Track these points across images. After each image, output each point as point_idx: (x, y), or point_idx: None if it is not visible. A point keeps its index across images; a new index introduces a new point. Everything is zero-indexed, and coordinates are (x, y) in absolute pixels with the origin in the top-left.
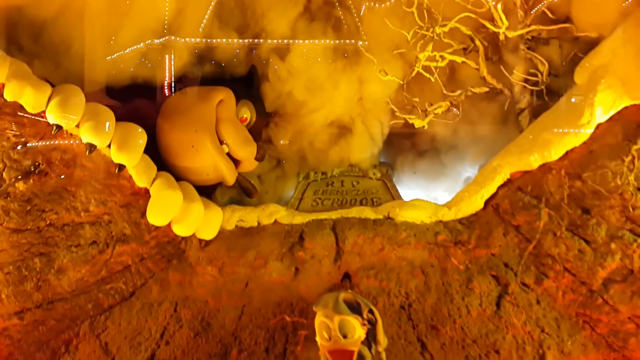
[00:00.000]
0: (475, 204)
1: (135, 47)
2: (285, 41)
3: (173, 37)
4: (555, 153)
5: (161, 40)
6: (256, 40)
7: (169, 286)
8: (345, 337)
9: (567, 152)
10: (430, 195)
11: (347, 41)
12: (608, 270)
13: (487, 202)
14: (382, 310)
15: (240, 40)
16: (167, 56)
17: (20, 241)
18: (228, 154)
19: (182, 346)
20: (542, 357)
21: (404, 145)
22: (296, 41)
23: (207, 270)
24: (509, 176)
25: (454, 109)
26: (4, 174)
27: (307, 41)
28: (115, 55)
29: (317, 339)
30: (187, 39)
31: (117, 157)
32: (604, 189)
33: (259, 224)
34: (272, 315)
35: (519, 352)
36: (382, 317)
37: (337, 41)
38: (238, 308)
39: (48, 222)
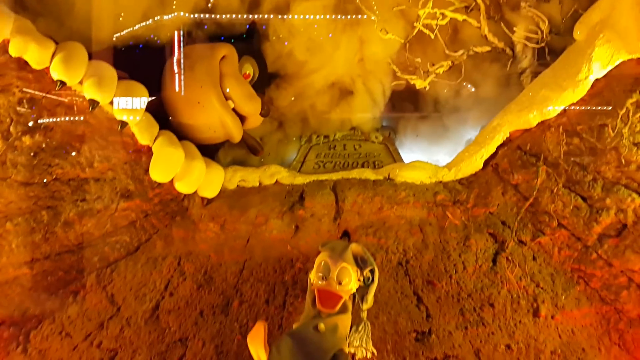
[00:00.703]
0: (474, 164)
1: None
2: None
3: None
4: (553, 110)
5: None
6: None
7: (172, 241)
8: (340, 283)
9: (565, 109)
10: (432, 158)
11: None
12: (603, 225)
13: (486, 162)
14: (380, 267)
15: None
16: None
17: (28, 194)
18: (233, 110)
19: (186, 297)
20: (536, 311)
21: (407, 109)
22: None
23: (210, 227)
24: (508, 135)
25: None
26: (11, 127)
27: None
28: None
29: (311, 275)
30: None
31: (119, 114)
32: (600, 145)
33: (260, 184)
34: (273, 270)
35: (513, 306)
36: (380, 274)
37: None
38: (239, 263)
39: (54, 176)
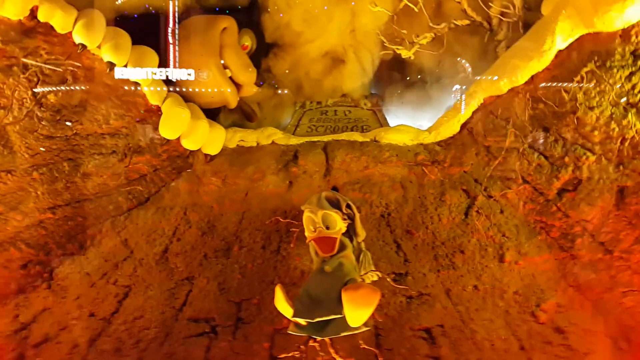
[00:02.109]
0: (452, 127)
1: None
2: None
3: None
4: (521, 78)
5: None
6: None
7: (179, 193)
8: (327, 228)
9: (532, 77)
10: (416, 123)
11: None
12: (562, 181)
13: (463, 126)
14: (364, 218)
15: None
16: None
17: (51, 147)
18: (230, 78)
19: (191, 242)
20: (502, 257)
21: (394, 78)
22: None
23: (212, 181)
24: (482, 101)
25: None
26: (38, 86)
27: None
28: None
29: (305, 232)
30: None
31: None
32: (561, 109)
33: (258, 144)
34: (268, 220)
35: (482, 253)
36: (364, 225)
37: None
38: (239, 213)
39: (74, 131)
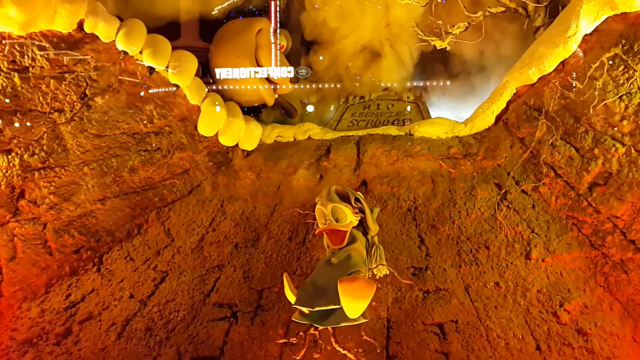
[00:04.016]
0: (487, 119)
1: None
2: None
3: None
4: (549, 65)
5: None
6: None
7: (218, 187)
8: (337, 220)
9: (562, 64)
10: (459, 115)
11: None
12: (592, 174)
13: (498, 118)
14: (390, 212)
15: None
16: None
17: (100, 144)
18: (267, 79)
19: (225, 232)
20: (528, 254)
21: (437, 69)
22: None
23: (248, 175)
24: (515, 91)
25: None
26: (87, 90)
27: None
28: None
29: (317, 224)
30: None
31: (173, 78)
32: (591, 98)
33: (295, 139)
34: (298, 213)
35: (508, 249)
36: (389, 218)
37: None
38: (270, 206)
39: (121, 130)
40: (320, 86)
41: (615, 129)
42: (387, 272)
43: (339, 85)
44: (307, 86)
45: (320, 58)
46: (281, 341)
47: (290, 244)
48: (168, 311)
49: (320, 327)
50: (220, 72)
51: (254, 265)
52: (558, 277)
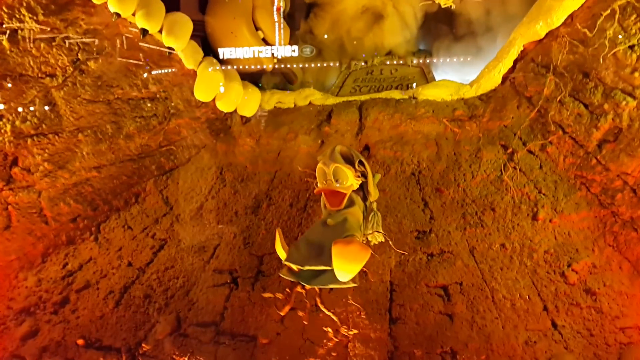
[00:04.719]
0: (493, 79)
1: None
2: None
3: None
4: (557, 19)
5: None
6: None
7: (216, 154)
8: (338, 182)
9: (571, 18)
10: (464, 78)
11: None
12: (602, 131)
13: (505, 77)
14: (393, 177)
15: None
16: None
17: (94, 110)
18: (264, 40)
19: (225, 200)
20: (535, 215)
21: (442, 31)
22: None
23: (247, 141)
24: (522, 48)
25: None
26: (79, 54)
27: None
28: None
29: (317, 183)
30: None
31: (167, 41)
32: (601, 50)
33: (295, 105)
34: (299, 179)
35: (514, 210)
36: (392, 183)
37: None
38: (271, 173)
39: (116, 95)
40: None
41: (626, 82)
42: (383, 240)
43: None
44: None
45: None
46: (267, 295)
47: (291, 210)
48: (167, 278)
49: (308, 287)
50: (217, 35)
51: (254, 231)
52: (566, 238)
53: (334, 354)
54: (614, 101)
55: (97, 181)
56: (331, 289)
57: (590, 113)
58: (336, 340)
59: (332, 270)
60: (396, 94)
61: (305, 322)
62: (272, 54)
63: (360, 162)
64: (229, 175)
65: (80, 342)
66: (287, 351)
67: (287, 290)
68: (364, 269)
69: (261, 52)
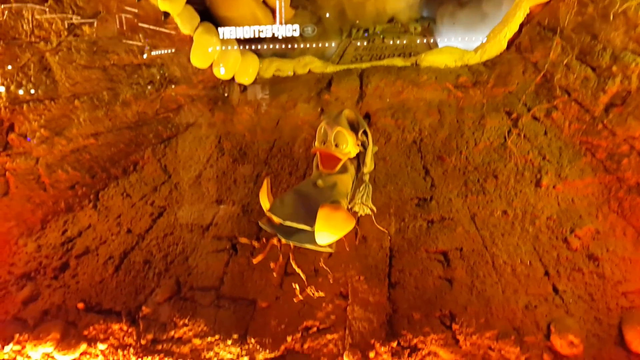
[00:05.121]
0: (499, 44)
1: None
2: None
3: None
4: None
5: None
6: None
7: (214, 123)
8: (337, 145)
9: None
10: (469, 46)
11: None
12: (609, 94)
13: (510, 42)
14: (394, 145)
15: None
16: None
17: (90, 76)
18: (264, 2)
19: (223, 169)
20: (538, 181)
21: None
22: None
23: (245, 110)
24: (529, 11)
25: None
26: (73, 18)
27: None
28: None
29: (315, 142)
30: None
31: (162, 5)
32: (611, 10)
33: (294, 73)
34: (298, 148)
35: (517, 177)
36: (393, 151)
37: None
38: (270, 142)
39: (112, 61)
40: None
41: (636, 42)
42: (370, 213)
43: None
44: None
45: None
46: (259, 257)
47: (290, 179)
48: (166, 244)
49: (284, 242)
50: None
51: (253, 199)
52: (569, 204)
53: (332, 317)
54: (622, 63)
55: (95, 148)
56: (330, 254)
57: (597, 76)
58: (335, 304)
59: (311, 232)
60: (398, 62)
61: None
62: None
63: (364, 132)
64: (227, 144)
65: (80, 305)
66: (286, 314)
67: (264, 240)
68: (364, 234)
69: (262, 31)
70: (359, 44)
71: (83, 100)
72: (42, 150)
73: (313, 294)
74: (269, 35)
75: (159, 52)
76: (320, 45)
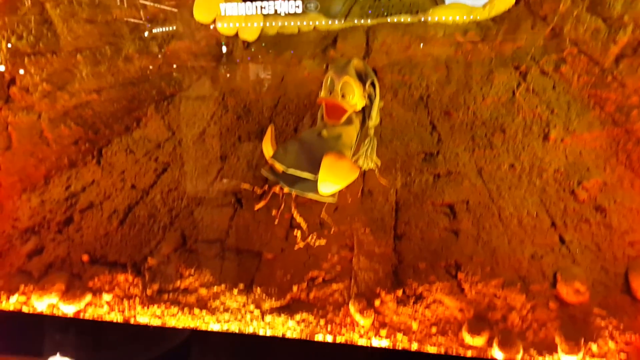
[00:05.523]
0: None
1: None
2: None
3: None
4: None
5: None
6: None
7: (218, 80)
8: (343, 96)
9: None
10: (477, 2)
11: None
12: (620, 45)
13: None
14: (400, 101)
15: None
16: None
17: (92, 31)
18: None
19: (227, 125)
20: (546, 135)
21: None
22: None
23: (249, 67)
24: None
25: None
26: None
27: None
28: None
29: (321, 92)
30: None
31: None
32: None
33: (299, 31)
34: (303, 105)
35: (525, 131)
36: (399, 107)
37: None
38: (274, 99)
39: (114, 16)
40: None
41: None
42: (374, 168)
43: None
44: None
45: None
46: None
47: (295, 136)
48: (171, 199)
49: (286, 190)
50: None
51: (257, 155)
52: (577, 157)
53: (338, 268)
54: (635, 12)
55: (98, 104)
56: (336, 207)
57: (608, 27)
58: (340, 255)
59: (314, 181)
60: (405, 18)
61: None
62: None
63: (372, 84)
64: (231, 101)
65: (85, 258)
66: (291, 266)
67: (266, 187)
68: (369, 189)
69: (264, 7)
70: (365, 1)
71: (85, 55)
72: (45, 105)
73: (314, 243)
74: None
75: (162, 7)
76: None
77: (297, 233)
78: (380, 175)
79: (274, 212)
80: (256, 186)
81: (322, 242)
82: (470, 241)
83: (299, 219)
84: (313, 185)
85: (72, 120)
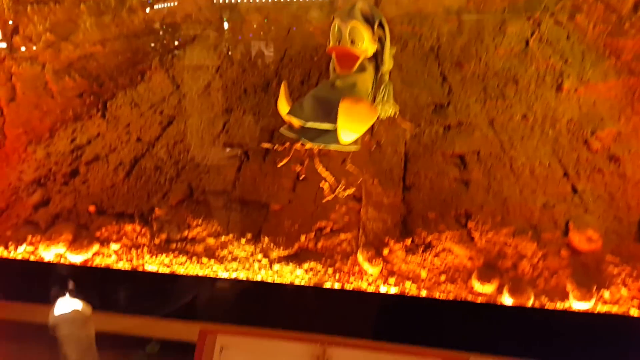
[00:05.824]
0: None
1: None
2: None
3: None
4: None
5: None
6: None
7: (223, 32)
8: (352, 42)
9: None
10: None
11: None
12: None
13: None
14: (410, 52)
15: None
16: None
17: None
18: None
19: (232, 79)
20: (560, 85)
21: None
22: None
23: (255, 18)
24: None
25: None
26: None
27: None
28: None
29: (329, 42)
30: None
31: None
32: None
33: None
34: (309, 57)
35: (538, 82)
36: (409, 58)
37: None
38: (280, 51)
39: None
40: None
41: None
42: (392, 115)
43: None
44: None
45: None
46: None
47: (302, 87)
48: (177, 151)
49: (307, 146)
50: None
51: (264, 108)
52: (591, 107)
53: (346, 219)
54: None
55: (102, 56)
56: (343, 159)
57: None
58: (349, 206)
59: (334, 131)
60: None
61: (318, 191)
62: None
63: (380, 25)
64: (237, 53)
65: (91, 208)
66: (299, 216)
67: (287, 144)
68: (377, 139)
69: None
70: None
71: (89, 5)
72: (49, 56)
73: (343, 194)
74: None
75: None
76: None
77: (325, 185)
78: (402, 119)
79: (298, 167)
80: (277, 145)
81: (350, 191)
82: (481, 191)
83: (324, 173)
84: (333, 136)
85: (77, 72)
